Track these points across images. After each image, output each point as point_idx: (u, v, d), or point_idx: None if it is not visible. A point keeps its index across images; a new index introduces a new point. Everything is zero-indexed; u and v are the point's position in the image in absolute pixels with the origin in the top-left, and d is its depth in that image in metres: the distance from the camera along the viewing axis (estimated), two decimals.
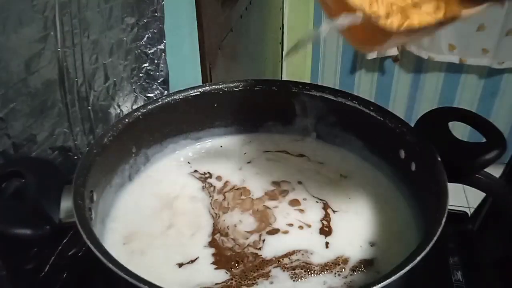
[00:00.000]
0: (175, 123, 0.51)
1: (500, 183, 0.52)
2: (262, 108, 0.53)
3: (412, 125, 0.45)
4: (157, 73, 0.62)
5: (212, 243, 0.42)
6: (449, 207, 0.35)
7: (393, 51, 1.66)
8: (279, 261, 0.40)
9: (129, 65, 0.56)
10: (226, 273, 0.39)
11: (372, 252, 0.41)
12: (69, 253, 0.47)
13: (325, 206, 0.46)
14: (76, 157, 0.48)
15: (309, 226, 0.44)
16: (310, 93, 0.50)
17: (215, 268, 0.39)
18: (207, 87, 0.50)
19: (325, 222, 0.44)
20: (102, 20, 0.49)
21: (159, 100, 0.48)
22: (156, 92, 0.63)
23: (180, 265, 0.40)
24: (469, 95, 1.81)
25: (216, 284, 0.38)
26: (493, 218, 0.55)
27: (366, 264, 0.40)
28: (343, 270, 0.39)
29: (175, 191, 0.48)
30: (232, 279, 0.38)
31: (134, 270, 0.30)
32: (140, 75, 0.59)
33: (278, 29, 1.71)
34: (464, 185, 0.44)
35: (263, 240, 0.42)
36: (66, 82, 0.45)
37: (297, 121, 0.54)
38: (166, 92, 0.64)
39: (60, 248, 0.46)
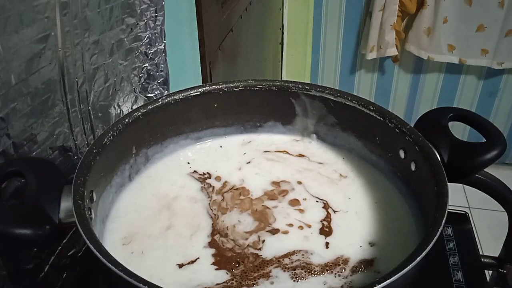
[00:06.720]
0: (175, 123, 0.51)
1: (500, 183, 0.52)
2: (262, 108, 0.53)
3: (412, 125, 0.45)
4: (157, 73, 0.62)
5: (212, 244, 0.42)
6: (449, 207, 0.35)
7: (393, 51, 1.67)
8: (279, 261, 0.40)
9: (129, 65, 0.56)
10: (227, 273, 0.39)
11: (372, 252, 0.41)
12: (69, 253, 0.47)
13: (325, 206, 0.46)
14: (76, 157, 0.48)
15: (309, 226, 0.44)
16: (310, 93, 0.50)
17: (216, 269, 0.39)
18: (207, 87, 0.50)
19: (325, 223, 0.44)
20: (102, 20, 0.49)
21: (159, 100, 0.48)
22: (156, 92, 0.63)
23: (181, 265, 0.40)
24: (468, 96, 1.81)
25: (217, 284, 0.38)
26: None
27: (366, 264, 0.40)
28: (344, 270, 0.39)
29: (174, 191, 0.48)
30: (232, 280, 0.38)
31: (134, 271, 0.30)
32: (140, 75, 0.59)
33: (278, 29, 1.71)
34: (464, 185, 0.44)
35: (263, 241, 0.42)
36: (66, 82, 0.45)
37: (297, 121, 0.54)
38: (166, 92, 0.64)
39: (60, 248, 0.46)
